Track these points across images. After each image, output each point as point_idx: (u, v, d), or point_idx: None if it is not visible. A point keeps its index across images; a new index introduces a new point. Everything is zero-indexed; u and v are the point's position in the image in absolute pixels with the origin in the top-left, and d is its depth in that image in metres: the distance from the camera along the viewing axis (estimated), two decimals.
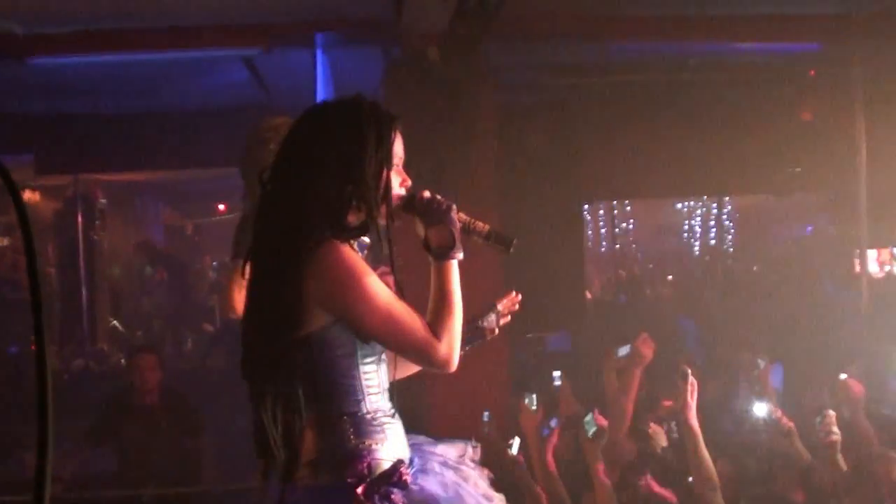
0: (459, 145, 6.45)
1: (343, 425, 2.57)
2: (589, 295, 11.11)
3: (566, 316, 8.05)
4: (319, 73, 6.85)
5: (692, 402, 4.76)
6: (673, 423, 5.65)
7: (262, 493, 2.75)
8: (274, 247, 2.58)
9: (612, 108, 8.45)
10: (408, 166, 2.73)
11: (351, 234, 2.61)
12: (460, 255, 2.67)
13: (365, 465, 2.54)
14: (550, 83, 8.31)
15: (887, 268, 10.28)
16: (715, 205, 17.60)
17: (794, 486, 5.19)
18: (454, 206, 2.70)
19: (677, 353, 8.25)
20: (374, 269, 2.66)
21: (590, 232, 16.58)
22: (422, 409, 6.04)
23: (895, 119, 7.50)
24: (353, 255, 2.58)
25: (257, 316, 2.61)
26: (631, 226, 18.11)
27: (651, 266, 17.21)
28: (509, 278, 4.31)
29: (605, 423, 5.02)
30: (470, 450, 2.91)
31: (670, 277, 15.69)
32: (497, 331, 3.00)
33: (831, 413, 5.10)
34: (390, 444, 2.61)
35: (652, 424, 5.73)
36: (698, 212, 18.01)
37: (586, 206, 12.92)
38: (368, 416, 2.59)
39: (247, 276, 2.64)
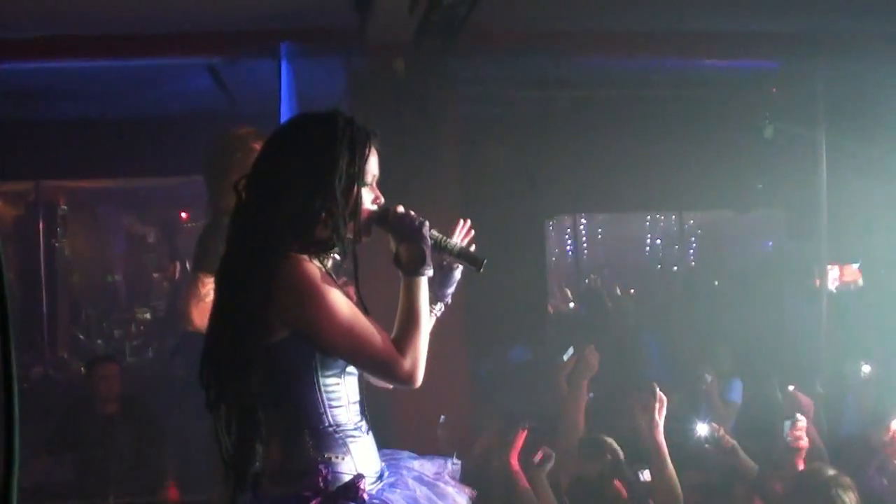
0: (424, 157, 6.44)
1: (304, 438, 2.57)
2: (550, 308, 11.15)
3: (527, 328, 8.08)
4: (284, 82, 6.83)
5: (660, 419, 4.78)
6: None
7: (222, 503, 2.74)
8: (241, 257, 2.58)
9: (576, 123, 8.50)
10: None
11: (317, 248, 2.61)
12: (430, 272, 2.68)
13: (321, 478, 2.54)
14: (515, 96, 8.33)
15: (848, 284, 10.35)
16: (675, 218, 17.67)
17: (752, 496, 5.21)
18: (427, 223, 2.71)
19: (642, 366, 8.30)
20: (338, 279, 2.66)
21: (554, 247, 16.60)
22: (382, 421, 6.02)
23: (855, 136, 7.59)
24: (315, 270, 2.57)
25: (220, 324, 2.61)
26: (597, 237, 18.17)
27: (613, 279, 17.24)
28: (471, 290, 4.30)
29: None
30: (450, 466, 2.90)
31: (632, 291, 15.74)
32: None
33: (802, 419, 5.13)
34: (354, 458, 2.60)
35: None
36: (660, 226, 18.09)
37: (551, 222, 12.98)
38: (330, 430, 2.59)
39: (210, 286, 2.64)
